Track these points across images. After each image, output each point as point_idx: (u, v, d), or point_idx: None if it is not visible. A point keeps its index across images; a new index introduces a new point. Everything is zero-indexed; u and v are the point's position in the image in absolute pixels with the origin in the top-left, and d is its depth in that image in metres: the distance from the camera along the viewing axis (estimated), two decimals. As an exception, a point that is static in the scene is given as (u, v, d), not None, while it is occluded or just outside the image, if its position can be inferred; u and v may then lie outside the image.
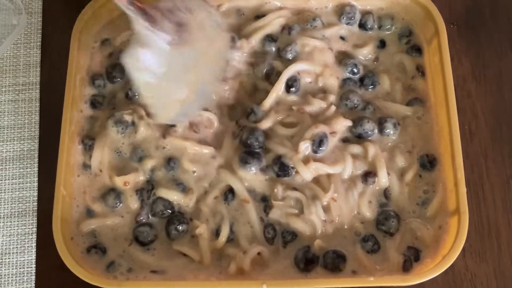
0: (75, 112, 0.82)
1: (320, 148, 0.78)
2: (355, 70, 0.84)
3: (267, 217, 0.78)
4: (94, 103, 0.84)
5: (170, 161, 0.80)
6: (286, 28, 0.86)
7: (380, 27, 0.88)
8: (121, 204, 0.79)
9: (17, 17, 0.91)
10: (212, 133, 0.82)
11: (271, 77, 0.84)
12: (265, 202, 0.78)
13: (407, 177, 0.79)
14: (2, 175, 0.85)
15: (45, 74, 0.90)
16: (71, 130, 0.80)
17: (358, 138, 0.81)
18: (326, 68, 0.83)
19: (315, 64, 0.83)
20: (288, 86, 0.83)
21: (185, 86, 0.78)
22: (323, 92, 0.83)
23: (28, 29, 0.92)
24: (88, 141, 0.81)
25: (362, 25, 0.88)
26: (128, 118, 0.81)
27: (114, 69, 0.85)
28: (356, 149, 0.80)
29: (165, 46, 0.73)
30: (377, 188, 0.79)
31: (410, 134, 0.81)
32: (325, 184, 0.78)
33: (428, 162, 0.80)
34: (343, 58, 0.85)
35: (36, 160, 0.85)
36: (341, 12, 0.88)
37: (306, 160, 0.78)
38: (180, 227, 0.77)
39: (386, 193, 0.79)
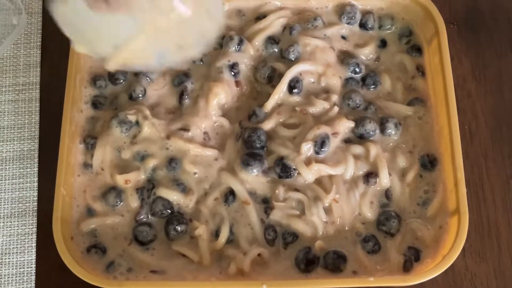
0: (75, 112, 0.82)
1: (322, 149, 0.78)
2: (357, 70, 0.84)
3: (268, 219, 0.78)
4: (95, 104, 0.84)
5: (172, 162, 0.80)
6: (287, 28, 0.86)
7: (380, 27, 0.88)
8: (121, 203, 0.79)
9: (17, 17, 0.91)
10: (218, 136, 0.82)
11: (273, 79, 0.84)
12: (265, 203, 0.78)
13: (408, 177, 0.79)
14: (2, 175, 0.85)
15: (45, 74, 0.90)
16: (71, 130, 0.80)
17: (359, 138, 0.81)
18: (329, 67, 0.83)
19: (317, 64, 0.83)
20: (291, 87, 0.82)
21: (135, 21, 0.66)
22: (326, 92, 0.83)
23: (28, 29, 0.92)
24: (90, 140, 0.81)
25: (362, 25, 0.88)
26: (132, 118, 0.81)
27: (117, 71, 0.85)
28: (357, 149, 0.79)
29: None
30: (378, 188, 0.79)
31: (411, 134, 0.81)
32: (326, 185, 0.78)
33: (429, 162, 0.80)
34: (345, 57, 0.85)
35: (36, 160, 0.85)
36: (341, 11, 0.88)
37: (308, 162, 0.78)
38: (179, 228, 0.77)
39: (387, 193, 0.79)
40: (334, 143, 0.79)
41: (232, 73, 0.84)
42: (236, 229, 0.77)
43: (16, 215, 0.83)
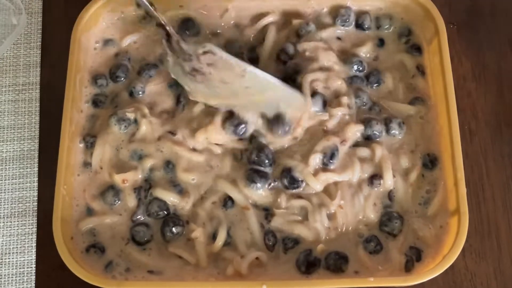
0: (75, 112, 0.82)
1: (332, 161, 0.77)
2: (361, 68, 0.84)
3: (268, 225, 0.77)
4: (96, 102, 0.84)
5: (169, 164, 0.79)
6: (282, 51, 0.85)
7: (378, 27, 0.88)
8: (119, 202, 0.79)
9: (17, 17, 0.91)
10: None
11: None
12: (266, 211, 0.78)
13: (411, 177, 0.79)
14: (2, 175, 0.85)
15: (45, 74, 0.90)
16: (71, 130, 0.80)
17: (366, 139, 0.80)
18: (331, 71, 0.82)
19: (320, 67, 0.82)
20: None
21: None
22: (335, 96, 0.82)
23: (28, 29, 0.92)
24: (90, 138, 0.81)
25: (359, 26, 0.87)
26: (130, 115, 0.81)
27: (118, 69, 0.85)
28: (364, 152, 0.79)
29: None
30: (381, 190, 0.78)
31: (413, 133, 0.81)
32: (332, 191, 0.77)
33: (430, 162, 0.79)
34: (346, 56, 0.85)
35: (36, 160, 0.85)
36: (335, 14, 0.87)
37: (315, 172, 0.77)
38: (174, 229, 0.77)
39: (390, 194, 0.78)
40: (343, 151, 0.79)
41: None
42: (234, 232, 0.77)
43: (16, 215, 0.83)
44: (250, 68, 0.78)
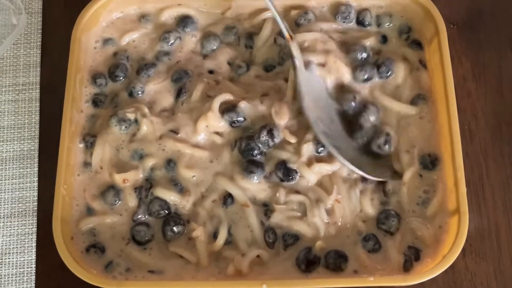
0: (75, 112, 0.82)
1: (323, 148, 0.78)
2: (364, 55, 0.84)
3: (268, 221, 0.77)
4: (96, 102, 0.84)
5: (171, 162, 0.80)
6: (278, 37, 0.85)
7: (379, 25, 0.88)
8: (120, 202, 0.79)
9: (17, 17, 0.91)
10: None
11: None
12: (266, 206, 0.78)
13: (406, 176, 0.79)
14: (2, 175, 0.85)
15: (45, 74, 0.90)
16: (71, 130, 0.80)
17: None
18: (329, 54, 0.82)
19: (317, 53, 0.82)
20: None
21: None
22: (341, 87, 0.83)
23: (28, 29, 0.92)
24: (90, 138, 0.81)
25: (360, 22, 0.87)
26: (130, 116, 0.81)
27: (117, 69, 0.85)
28: None
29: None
30: (376, 185, 0.78)
31: (412, 133, 0.81)
32: (327, 186, 0.78)
33: (430, 162, 0.79)
34: (347, 46, 0.84)
35: (36, 160, 0.85)
36: (336, 11, 0.87)
37: (309, 163, 0.78)
38: (175, 228, 0.77)
39: (385, 191, 0.78)
40: None
41: None
42: (234, 231, 0.77)
43: (16, 215, 0.83)
44: None
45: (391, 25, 0.87)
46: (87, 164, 0.81)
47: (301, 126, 0.80)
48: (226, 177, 0.79)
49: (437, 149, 0.80)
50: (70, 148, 0.80)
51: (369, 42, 0.86)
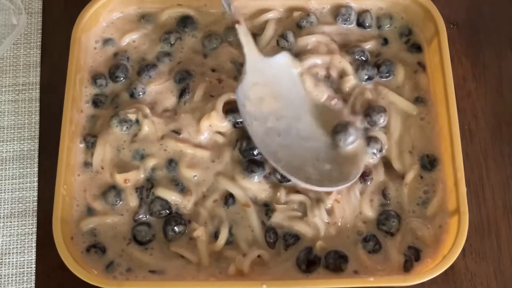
0: (75, 112, 0.82)
1: None
2: (363, 58, 0.84)
3: (269, 221, 0.77)
4: (96, 102, 0.84)
5: (172, 162, 0.80)
6: (280, 38, 0.85)
7: (379, 27, 0.88)
8: (121, 202, 0.79)
9: (17, 17, 0.91)
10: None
11: None
12: (266, 206, 0.78)
13: (407, 177, 0.79)
14: (2, 175, 0.85)
15: (45, 74, 0.90)
16: (71, 130, 0.80)
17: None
18: (334, 54, 0.83)
19: (320, 55, 0.83)
20: None
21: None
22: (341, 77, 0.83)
23: (28, 29, 0.92)
24: (90, 138, 0.81)
25: (360, 24, 0.88)
26: (132, 116, 0.81)
27: (118, 69, 0.85)
28: None
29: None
30: (374, 185, 0.78)
31: (412, 134, 0.81)
32: None
33: (429, 163, 0.79)
34: (348, 48, 0.85)
35: (36, 160, 0.85)
36: (336, 13, 0.87)
37: None
38: (177, 228, 0.77)
39: (384, 192, 0.78)
40: None
41: None
42: (235, 231, 0.77)
43: (16, 215, 0.83)
44: None
45: (391, 27, 0.88)
46: (87, 164, 0.81)
47: None
48: (227, 177, 0.79)
49: (437, 149, 0.80)
50: (70, 148, 0.80)
51: (369, 45, 0.86)
